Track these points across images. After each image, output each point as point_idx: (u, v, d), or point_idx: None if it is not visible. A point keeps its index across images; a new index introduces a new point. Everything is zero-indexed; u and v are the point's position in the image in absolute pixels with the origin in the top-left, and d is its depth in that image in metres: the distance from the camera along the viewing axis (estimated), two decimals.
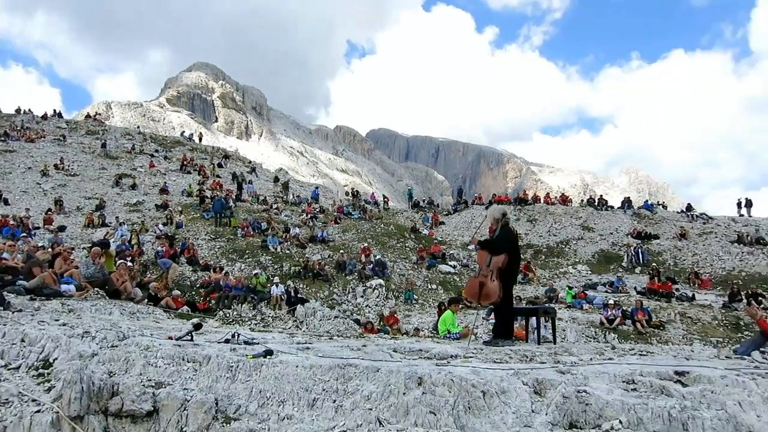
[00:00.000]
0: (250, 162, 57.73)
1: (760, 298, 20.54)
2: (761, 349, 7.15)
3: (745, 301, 20.73)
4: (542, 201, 40.87)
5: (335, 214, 35.22)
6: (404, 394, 4.13)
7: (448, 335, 10.59)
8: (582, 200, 46.17)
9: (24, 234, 20.85)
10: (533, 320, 8.73)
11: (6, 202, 29.72)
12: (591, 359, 5.50)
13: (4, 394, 4.29)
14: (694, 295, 22.80)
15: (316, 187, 49.12)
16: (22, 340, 5.39)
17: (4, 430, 4.00)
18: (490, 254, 6.86)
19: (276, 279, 20.28)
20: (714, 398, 3.95)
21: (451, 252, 29.45)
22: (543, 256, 31.44)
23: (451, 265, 27.01)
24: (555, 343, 7.66)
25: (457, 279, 25.61)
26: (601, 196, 44.23)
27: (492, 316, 17.03)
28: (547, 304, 17.80)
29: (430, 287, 24.26)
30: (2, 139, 42.33)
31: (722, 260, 28.53)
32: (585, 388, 4.07)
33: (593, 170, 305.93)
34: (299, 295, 19.17)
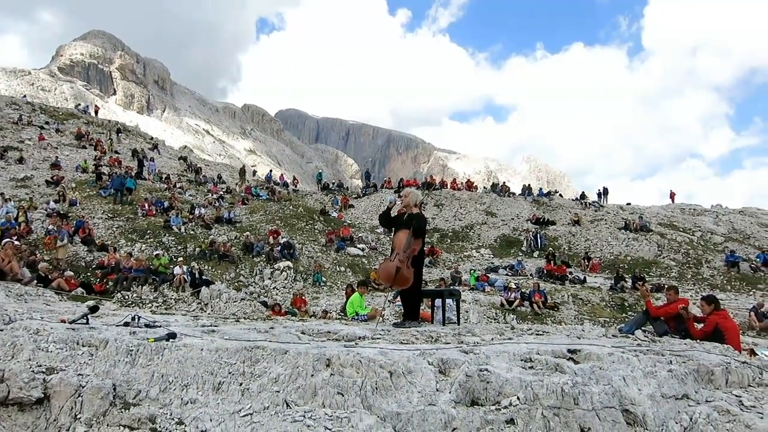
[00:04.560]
0: (152, 138, 54.88)
1: (642, 282, 22.36)
2: (643, 327, 7.82)
3: (630, 283, 22.55)
4: (449, 186, 42.04)
5: (243, 194, 34.39)
6: (312, 375, 4.15)
7: (356, 317, 10.71)
8: (486, 186, 47.98)
9: None
10: (438, 302, 9.01)
11: None
12: (492, 339, 5.77)
13: None
14: (585, 278, 24.44)
15: (270, 171, 48.19)
16: None
17: None
18: (414, 238, 6.93)
19: (179, 260, 19.55)
20: (602, 374, 4.27)
21: (360, 235, 29.68)
22: (449, 240, 32.45)
23: (359, 248, 27.22)
24: (459, 324, 7.96)
25: (366, 262, 25.87)
26: (504, 182, 46.10)
27: (398, 298, 17.42)
28: (452, 287, 18.43)
29: (338, 270, 24.33)
30: None
31: (611, 245, 30.73)
32: (486, 367, 4.27)
33: (497, 157, 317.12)
34: (204, 277, 18.61)
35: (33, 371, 4.06)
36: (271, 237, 24.85)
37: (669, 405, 4.20)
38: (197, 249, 22.34)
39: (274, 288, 20.82)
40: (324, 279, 22.44)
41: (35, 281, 12.13)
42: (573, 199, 43.02)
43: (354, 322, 9.69)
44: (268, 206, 32.13)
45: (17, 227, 19.73)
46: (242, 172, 45.13)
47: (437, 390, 4.06)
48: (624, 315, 19.22)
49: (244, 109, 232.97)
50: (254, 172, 47.52)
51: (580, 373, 4.27)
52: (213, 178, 39.59)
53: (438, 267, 26.60)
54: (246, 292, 18.94)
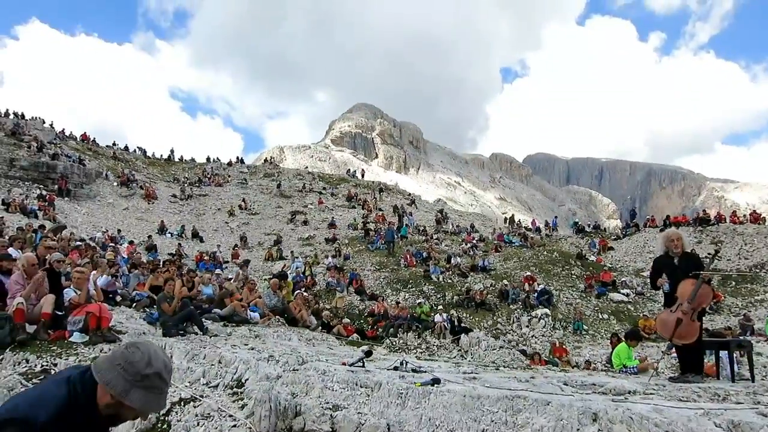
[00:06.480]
0: (409, 195, 59.39)
1: None
2: None
3: None
4: (728, 220, 36.64)
5: (495, 242, 34.77)
6: (578, 430, 3.94)
7: (623, 369, 9.85)
8: None
9: (216, 268, 23.42)
10: (725, 355, 7.82)
11: (201, 239, 33.73)
12: None
13: (206, 409, 4.86)
14: None
15: (556, 217, 50.14)
16: (219, 362, 6.06)
17: None
18: (704, 288, 6.23)
19: (439, 308, 20.46)
20: None
21: (623, 279, 27.46)
22: (733, 283, 28.01)
23: (623, 294, 25.16)
24: (753, 381, 6.78)
25: (632, 308, 23.77)
26: None
27: (673, 349, 15.53)
28: (741, 337, 15.88)
29: (600, 317, 22.79)
30: (197, 185, 48.29)
31: None
32: None
33: None
34: (462, 325, 19.11)
35: (322, 407, 4.63)
36: (526, 284, 24.54)
37: None
38: (455, 297, 23.13)
39: (532, 336, 20.38)
40: (585, 327, 21.23)
41: (320, 327, 13.85)
42: None
43: (622, 374, 8.94)
44: (522, 253, 31.89)
45: (305, 280, 22.93)
46: (511, 220, 46.75)
47: None
48: None
49: (492, 159, 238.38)
50: (505, 219, 48.01)
51: None
52: (466, 228, 40.90)
53: (722, 314, 23.10)
54: (504, 340, 18.86)
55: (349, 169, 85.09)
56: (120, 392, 1.92)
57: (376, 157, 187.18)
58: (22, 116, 48.50)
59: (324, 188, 52.69)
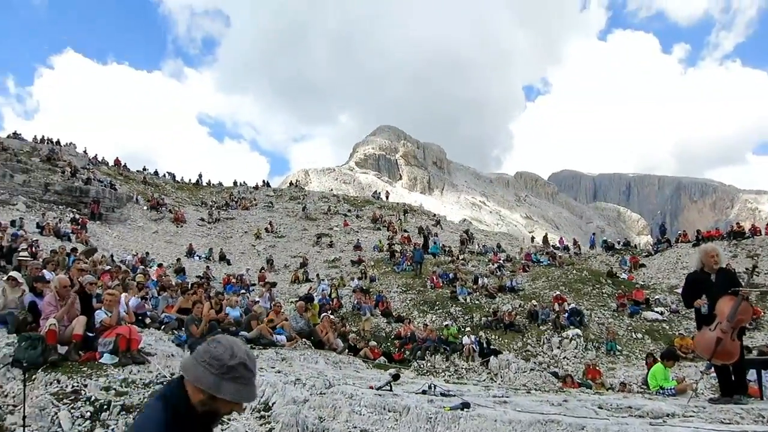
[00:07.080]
0: (434, 215, 59.21)
1: None
2: None
3: None
4: (764, 233, 35.66)
5: (523, 261, 34.34)
6: None
7: (660, 391, 9.53)
8: None
9: (243, 290, 23.53)
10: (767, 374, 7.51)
11: (228, 262, 34.02)
12: None
13: None
14: None
15: (593, 234, 50.02)
16: None
17: None
18: (743, 305, 6.01)
19: (467, 330, 20.19)
20: None
21: (656, 297, 26.79)
22: None
23: (657, 312, 24.50)
24: None
25: (666, 327, 23.12)
26: None
27: (713, 369, 14.97)
28: None
29: (634, 337, 22.20)
30: (224, 208, 48.92)
31: None
32: None
33: None
34: (491, 347, 18.82)
35: None
36: (556, 304, 24.10)
37: None
38: (483, 318, 22.82)
39: (563, 357, 19.93)
40: (619, 347, 20.69)
41: (347, 350, 13.75)
42: None
43: (659, 396, 8.65)
44: (550, 272, 31.41)
45: (331, 302, 22.88)
46: (544, 239, 46.47)
47: None
48: None
49: (517, 177, 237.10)
50: (532, 238, 47.55)
51: None
52: (493, 248, 40.53)
53: (762, 330, 22.35)
54: (535, 362, 18.49)
55: (374, 191, 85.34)
56: (211, 386, 1.97)
57: (400, 178, 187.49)
58: (57, 142, 50.01)
59: (349, 210, 52.87)
